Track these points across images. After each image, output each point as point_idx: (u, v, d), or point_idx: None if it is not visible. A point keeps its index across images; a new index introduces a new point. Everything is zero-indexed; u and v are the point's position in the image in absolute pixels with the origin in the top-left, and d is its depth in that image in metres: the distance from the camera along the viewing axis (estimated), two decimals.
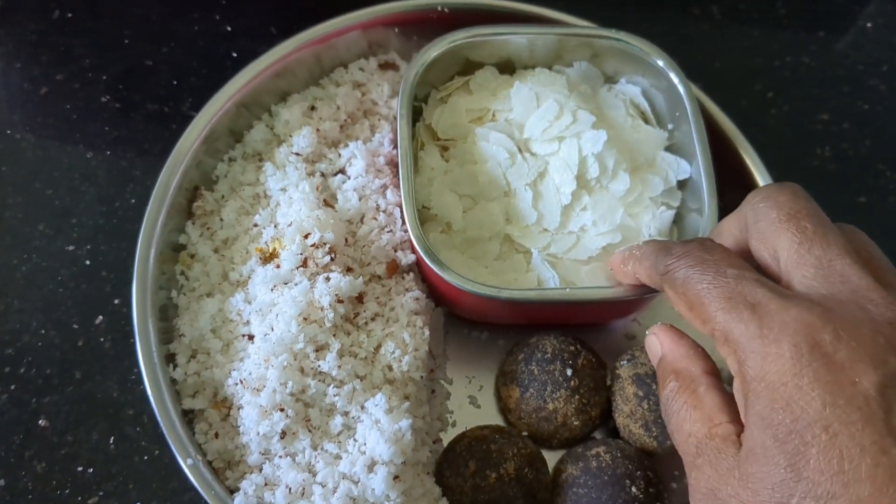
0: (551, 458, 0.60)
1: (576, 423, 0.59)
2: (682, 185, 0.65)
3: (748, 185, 0.67)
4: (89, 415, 0.60)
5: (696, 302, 0.44)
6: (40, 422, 0.60)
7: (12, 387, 0.61)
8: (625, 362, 0.61)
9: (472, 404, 0.63)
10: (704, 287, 0.43)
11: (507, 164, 0.63)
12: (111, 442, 0.60)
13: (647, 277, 0.51)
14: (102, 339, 0.63)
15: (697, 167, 0.62)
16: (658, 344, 0.50)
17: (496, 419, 0.63)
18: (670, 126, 0.66)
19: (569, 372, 0.59)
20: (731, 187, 0.66)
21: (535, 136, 0.63)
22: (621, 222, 0.62)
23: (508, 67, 0.68)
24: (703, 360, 0.48)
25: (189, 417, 0.57)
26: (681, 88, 0.63)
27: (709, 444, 0.43)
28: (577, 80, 0.67)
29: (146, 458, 0.59)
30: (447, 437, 0.61)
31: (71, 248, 0.66)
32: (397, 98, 0.67)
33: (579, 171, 0.62)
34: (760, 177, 0.67)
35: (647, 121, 0.67)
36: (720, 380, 0.47)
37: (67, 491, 0.58)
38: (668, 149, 0.66)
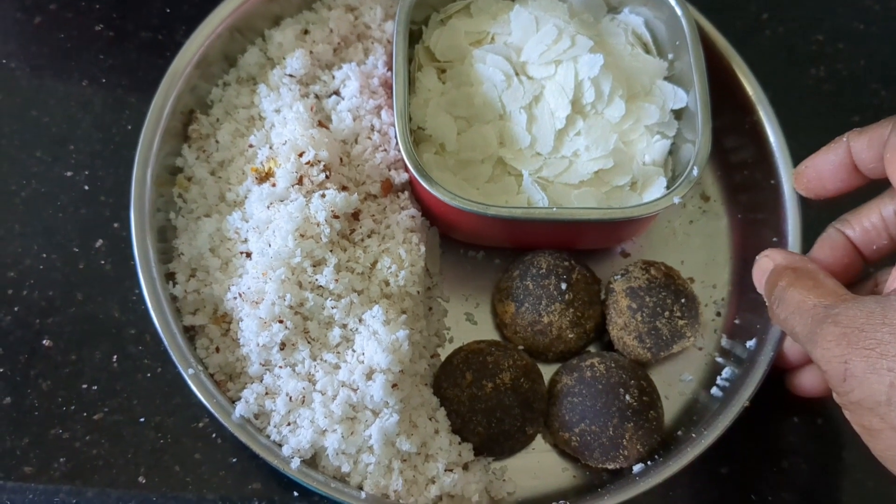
0: (547, 371, 0.62)
1: (570, 335, 0.60)
2: (678, 115, 0.65)
3: (743, 105, 0.67)
4: (92, 334, 0.61)
5: None
6: (44, 342, 0.61)
7: (16, 308, 0.62)
8: (619, 277, 0.62)
9: (469, 321, 0.64)
10: None
11: (503, 86, 0.63)
12: (114, 360, 0.61)
13: (867, 141, 0.52)
14: (103, 262, 0.64)
15: (694, 96, 0.62)
16: (770, 261, 0.55)
17: (493, 335, 0.64)
18: (670, 56, 0.66)
19: (563, 286, 0.60)
20: (727, 108, 0.66)
21: (532, 59, 0.63)
22: (615, 148, 0.62)
23: None
24: (816, 263, 0.53)
25: (190, 334, 0.58)
26: (682, 18, 0.63)
27: (842, 302, 0.46)
28: (580, 8, 0.67)
29: (149, 375, 0.60)
30: (445, 353, 0.62)
31: (69, 173, 0.66)
32: (392, 21, 0.67)
33: (575, 95, 0.62)
34: (756, 97, 0.67)
35: (647, 50, 0.67)
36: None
37: (73, 407, 0.59)
38: (668, 78, 0.65)
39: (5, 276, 0.63)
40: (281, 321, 0.54)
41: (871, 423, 0.44)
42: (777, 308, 0.50)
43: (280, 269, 0.55)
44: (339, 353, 0.55)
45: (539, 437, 0.60)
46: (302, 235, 0.56)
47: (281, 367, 0.54)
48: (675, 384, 0.63)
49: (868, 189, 0.55)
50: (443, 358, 0.61)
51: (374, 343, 0.54)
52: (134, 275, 0.58)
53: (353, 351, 0.55)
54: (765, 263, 0.55)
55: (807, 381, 0.59)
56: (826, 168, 0.56)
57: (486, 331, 0.64)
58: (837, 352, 0.44)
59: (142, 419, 0.59)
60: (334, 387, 0.54)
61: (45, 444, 0.58)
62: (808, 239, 0.60)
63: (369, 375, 0.54)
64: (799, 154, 0.64)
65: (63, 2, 0.73)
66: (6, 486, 0.57)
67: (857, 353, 0.43)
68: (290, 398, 0.53)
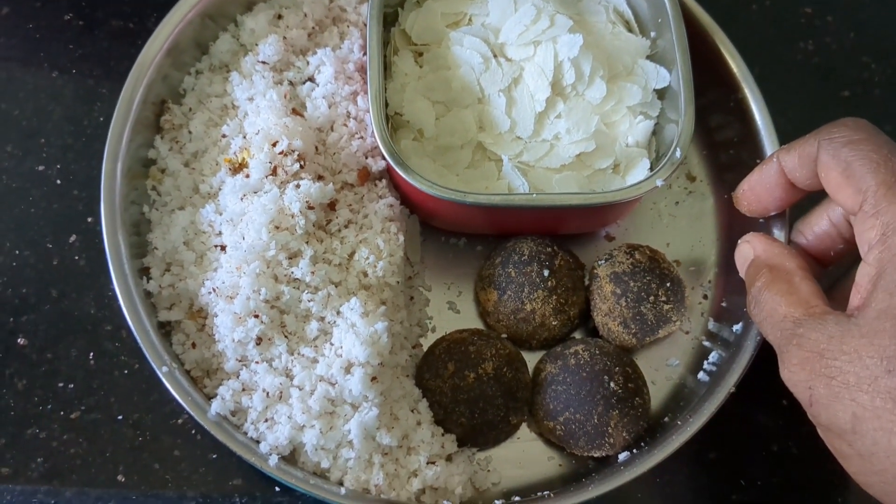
0: (531, 359, 0.61)
1: (554, 322, 0.59)
2: (661, 94, 0.63)
3: (728, 83, 0.65)
4: (67, 332, 0.60)
5: (854, 172, 0.46)
6: (19, 340, 0.60)
7: None
8: (602, 262, 0.61)
9: (452, 310, 0.63)
10: (869, 160, 0.46)
11: (482, 69, 0.61)
12: (90, 357, 0.60)
13: (797, 158, 0.52)
14: (77, 258, 0.62)
15: (677, 75, 0.60)
16: (750, 248, 0.54)
17: (476, 324, 0.63)
18: (653, 34, 0.64)
19: (546, 273, 0.59)
20: (711, 86, 0.65)
21: (510, 40, 0.62)
22: (596, 130, 0.61)
23: None
24: (796, 257, 0.52)
25: (166, 330, 0.57)
26: None
27: (811, 318, 0.45)
28: None
29: (126, 372, 0.59)
30: (427, 343, 0.61)
31: (41, 167, 0.65)
32: (367, 3, 0.65)
33: (554, 77, 0.60)
34: (741, 75, 0.65)
35: (630, 29, 0.65)
36: (812, 275, 0.50)
37: (49, 406, 0.58)
38: (650, 57, 0.64)
39: None
40: (256, 316, 0.53)
41: (841, 447, 0.44)
42: (753, 309, 0.51)
43: (254, 262, 0.54)
44: (316, 346, 0.54)
45: (524, 427, 0.60)
46: (276, 227, 0.55)
47: (257, 362, 0.53)
48: (661, 369, 0.62)
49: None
50: (425, 348, 0.60)
51: (352, 336, 0.53)
52: (108, 270, 0.56)
53: (331, 344, 0.54)
54: (745, 250, 0.55)
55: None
56: (762, 188, 0.56)
57: (469, 319, 0.63)
58: (802, 376, 0.44)
59: (119, 417, 0.58)
60: (312, 381, 0.53)
61: (22, 444, 0.57)
62: (794, 217, 0.59)
63: (348, 369, 0.53)
64: (787, 131, 0.63)
65: None
66: None
67: (820, 380, 0.43)
68: (268, 394, 0.52)
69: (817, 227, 0.55)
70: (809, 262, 0.55)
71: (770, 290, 0.49)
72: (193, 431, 0.58)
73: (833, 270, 0.57)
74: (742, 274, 0.55)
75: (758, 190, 0.56)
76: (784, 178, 0.54)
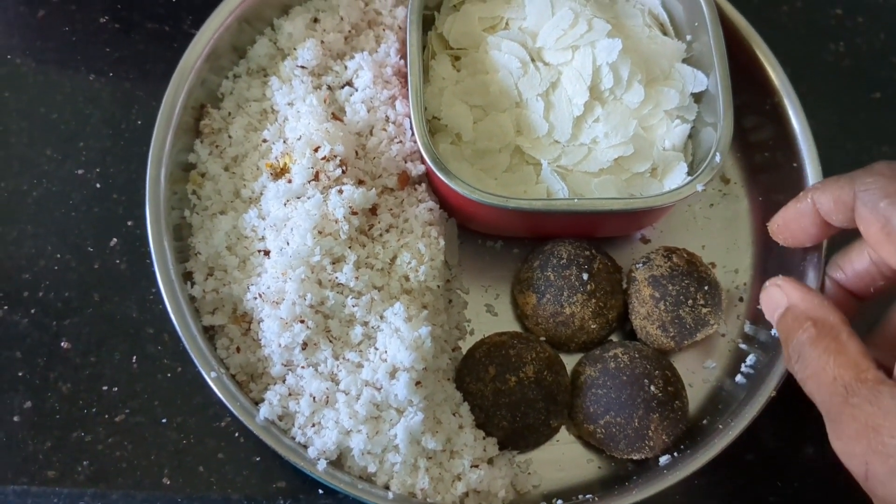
0: (569, 361, 0.61)
1: (593, 326, 0.60)
2: (698, 98, 0.63)
3: (763, 85, 0.65)
4: (110, 335, 0.61)
5: (895, 228, 0.46)
6: (63, 344, 0.60)
7: (32, 311, 0.61)
8: (640, 265, 0.61)
9: (490, 312, 0.63)
10: None
11: (520, 73, 0.61)
12: (133, 361, 0.60)
13: (832, 202, 0.51)
14: (118, 261, 0.63)
15: (714, 79, 0.60)
16: (782, 295, 0.51)
17: (513, 326, 0.63)
18: (689, 37, 0.64)
19: (585, 276, 0.59)
20: (746, 88, 0.65)
21: (548, 44, 0.62)
22: (634, 134, 0.61)
23: None
24: (837, 311, 0.49)
25: (210, 334, 0.57)
26: None
27: (863, 385, 0.44)
28: None
29: (169, 375, 0.60)
30: (466, 346, 0.61)
31: (80, 171, 0.65)
32: (403, 7, 0.65)
33: (593, 81, 0.61)
34: (778, 80, 0.65)
35: (665, 32, 0.65)
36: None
37: (94, 410, 0.59)
38: (686, 61, 0.64)
39: (20, 279, 0.62)
40: (302, 321, 0.54)
41: None
42: (796, 364, 0.48)
43: (300, 267, 0.54)
44: (361, 351, 0.55)
45: (563, 429, 0.60)
46: (320, 233, 0.55)
47: (303, 367, 0.54)
48: (698, 371, 0.62)
49: None
50: (464, 351, 0.61)
51: (397, 341, 0.53)
52: (150, 273, 0.57)
53: (376, 349, 0.55)
54: (777, 296, 0.52)
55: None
56: (796, 225, 0.56)
57: (506, 322, 0.63)
58: (858, 450, 0.43)
59: (164, 420, 0.59)
60: (358, 386, 0.53)
61: (68, 447, 0.58)
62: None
63: (393, 374, 0.53)
64: (818, 133, 0.63)
65: None
66: (30, 490, 0.57)
67: (877, 457, 0.42)
68: (314, 399, 0.53)
69: (858, 264, 0.54)
70: (846, 299, 0.55)
71: (816, 348, 0.47)
72: (237, 434, 0.59)
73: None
74: (772, 319, 0.52)
75: (792, 227, 0.56)
76: (818, 217, 0.54)
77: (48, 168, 0.65)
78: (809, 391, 0.47)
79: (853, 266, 0.55)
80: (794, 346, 0.48)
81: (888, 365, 0.45)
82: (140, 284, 0.62)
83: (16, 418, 0.59)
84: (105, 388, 0.60)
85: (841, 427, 0.44)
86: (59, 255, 0.63)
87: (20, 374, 0.60)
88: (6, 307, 0.61)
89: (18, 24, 0.71)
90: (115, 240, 0.64)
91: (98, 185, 0.65)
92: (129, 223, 0.64)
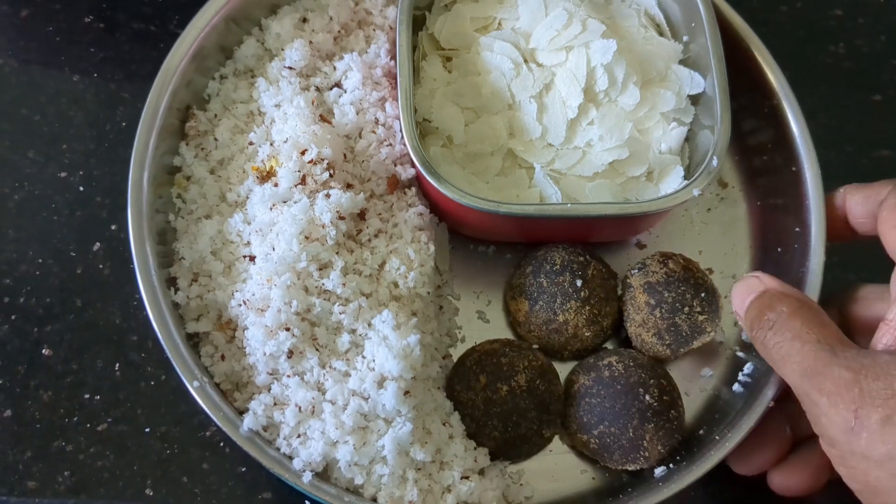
0: (562, 369, 0.60)
1: (587, 333, 0.58)
2: (695, 100, 0.62)
3: (761, 88, 0.64)
4: (93, 342, 0.60)
5: None
6: (44, 351, 0.59)
7: (13, 317, 0.60)
8: (635, 271, 0.60)
9: (481, 319, 0.62)
10: None
11: (512, 75, 0.60)
12: (116, 368, 0.59)
13: (863, 196, 0.55)
14: (101, 266, 0.62)
15: (712, 81, 0.59)
16: (760, 283, 0.51)
17: (505, 333, 0.62)
18: (685, 38, 0.63)
19: (578, 283, 0.58)
20: (744, 90, 0.63)
21: (541, 45, 0.60)
22: (630, 137, 0.60)
23: None
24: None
25: (194, 341, 0.56)
26: None
27: (851, 348, 0.44)
28: None
29: (153, 383, 0.59)
30: (457, 353, 0.60)
31: (63, 174, 0.64)
32: (394, 7, 0.64)
33: (587, 83, 0.59)
34: (774, 77, 0.64)
35: (661, 33, 0.64)
36: None
37: (76, 419, 0.58)
38: (683, 62, 0.63)
39: (1, 284, 0.61)
40: (288, 329, 0.52)
41: (878, 479, 0.42)
42: (770, 334, 0.47)
43: (285, 274, 0.53)
44: (348, 360, 0.53)
45: (556, 439, 0.59)
46: (307, 238, 0.54)
47: (289, 376, 0.53)
48: (695, 380, 0.61)
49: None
50: (455, 358, 0.59)
51: (385, 349, 0.52)
52: (134, 279, 0.55)
53: (363, 357, 0.53)
54: (753, 283, 0.51)
55: (789, 479, 0.56)
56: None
57: (498, 329, 0.62)
58: (847, 398, 0.42)
59: (147, 429, 0.58)
60: (345, 396, 0.52)
61: (49, 457, 0.57)
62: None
63: (380, 383, 0.52)
64: (817, 135, 0.62)
65: None
66: (9, 501, 0.56)
67: (871, 403, 0.41)
68: (300, 409, 0.51)
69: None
70: None
71: (798, 318, 0.47)
72: (222, 444, 0.58)
73: None
74: (738, 306, 0.52)
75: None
76: (841, 212, 0.56)
77: (30, 171, 0.64)
78: (785, 355, 0.46)
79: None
80: (770, 318, 0.48)
81: None
82: (124, 290, 0.61)
83: None
84: (87, 396, 0.58)
85: (830, 377, 0.43)
86: (40, 260, 0.62)
87: (0, 381, 0.58)
88: None
89: (1, 23, 0.69)
90: (98, 244, 0.62)
91: (81, 189, 0.64)
92: (113, 227, 0.63)
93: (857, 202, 0.55)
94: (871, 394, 0.42)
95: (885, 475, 0.41)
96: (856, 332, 0.55)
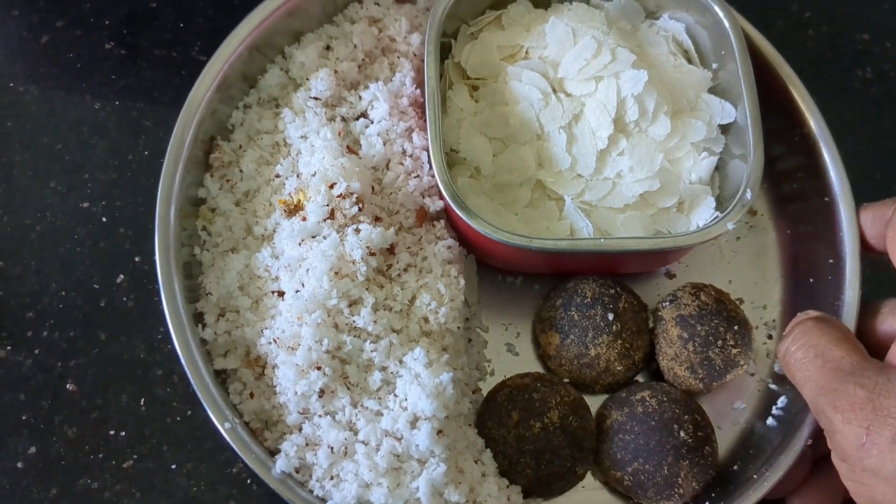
0: (593, 402, 0.59)
1: (619, 367, 0.58)
2: (725, 129, 0.61)
3: (792, 115, 0.63)
4: (117, 377, 0.59)
5: None
6: (68, 386, 0.58)
7: (36, 351, 0.59)
8: (667, 303, 0.59)
9: (510, 352, 0.61)
10: None
11: (541, 105, 0.59)
12: (142, 404, 0.58)
13: (872, 216, 0.56)
14: (125, 299, 0.61)
15: (743, 110, 0.58)
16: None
17: (535, 366, 0.61)
18: (715, 65, 0.62)
19: (610, 316, 0.57)
20: (773, 116, 0.62)
21: (570, 75, 0.60)
22: (660, 168, 0.59)
23: (543, 1, 0.64)
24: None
25: (222, 378, 0.55)
26: (727, 24, 0.59)
27: (872, 364, 0.46)
28: (617, 15, 0.62)
29: (179, 418, 0.58)
30: (486, 387, 0.59)
31: (86, 204, 0.63)
32: (418, 34, 0.63)
33: (617, 113, 0.58)
34: (804, 104, 0.63)
35: (690, 60, 0.63)
36: None
37: (101, 455, 0.57)
38: (712, 90, 0.62)
39: (24, 317, 0.60)
40: (319, 367, 0.51)
41: (884, 495, 0.43)
42: (794, 348, 0.49)
43: (316, 311, 0.52)
44: (380, 398, 0.53)
45: (588, 475, 0.58)
46: (337, 274, 0.53)
47: (321, 415, 0.52)
48: (727, 413, 0.60)
49: None
50: (484, 392, 0.58)
51: (417, 388, 0.51)
52: (158, 311, 0.55)
53: (395, 396, 0.52)
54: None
55: None
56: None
57: (528, 362, 0.61)
58: (860, 415, 0.43)
59: (173, 466, 0.57)
60: (377, 436, 0.51)
61: (74, 495, 0.56)
62: (864, 258, 0.58)
63: (413, 423, 0.51)
64: (845, 161, 0.61)
65: (70, 18, 0.69)
66: None
67: (882, 421, 0.42)
68: (332, 450, 0.51)
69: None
70: None
71: (825, 334, 0.49)
72: (249, 481, 0.57)
73: None
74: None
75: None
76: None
77: (52, 201, 0.63)
78: (804, 366, 0.48)
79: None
80: (800, 329, 0.50)
81: None
82: (148, 323, 0.60)
83: (19, 464, 0.57)
84: (112, 432, 0.58)
85: (845, 393, 0.44)
86: (63, 293, 0.61)
87: (24, 417, 0.58)
88: (9, 347, 0.59)
89: (21, 49, 0.68)
90: (121, 276, 0.61)
91: (104, 219, 0.63)
92: (137, 259, 0.62)
93: (868, 221, 0.56)
94: (883, 412, 0.43)
95: (891, 492, 0.43)
96: (875, 347, 0.55)
